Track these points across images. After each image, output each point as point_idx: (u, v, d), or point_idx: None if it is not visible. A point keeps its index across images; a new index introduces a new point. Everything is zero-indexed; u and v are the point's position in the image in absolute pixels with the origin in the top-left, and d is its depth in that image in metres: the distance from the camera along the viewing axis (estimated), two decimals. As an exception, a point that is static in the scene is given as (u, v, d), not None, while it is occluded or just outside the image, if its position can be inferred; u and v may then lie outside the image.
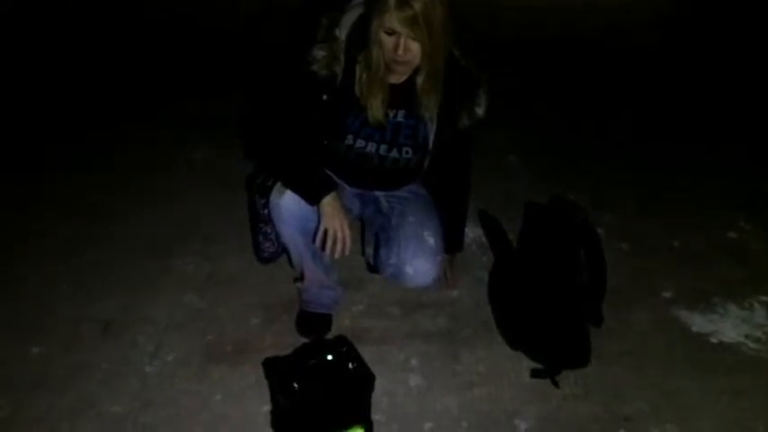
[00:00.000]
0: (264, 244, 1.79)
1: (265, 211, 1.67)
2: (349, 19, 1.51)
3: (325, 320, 1.81)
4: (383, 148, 1.62)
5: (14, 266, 2.02)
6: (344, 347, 1.42)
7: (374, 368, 1.42)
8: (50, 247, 2.12)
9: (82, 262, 2.05)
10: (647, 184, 2.66)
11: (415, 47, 1.43)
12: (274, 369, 1.40)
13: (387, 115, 1.58)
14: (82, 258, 2.06)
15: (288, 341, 1.71)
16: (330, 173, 1.65)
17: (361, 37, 1.48)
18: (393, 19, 1.38)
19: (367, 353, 1.52)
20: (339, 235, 1.51)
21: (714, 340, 1.82)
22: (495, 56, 1.64)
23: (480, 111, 1.63)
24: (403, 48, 1.42)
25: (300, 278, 1.78)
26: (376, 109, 1.54)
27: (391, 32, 1.41)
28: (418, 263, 1.64)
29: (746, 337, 1.84)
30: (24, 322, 1.79)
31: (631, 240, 2.25)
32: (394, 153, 1.63)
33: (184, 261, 2.06)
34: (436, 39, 1.42)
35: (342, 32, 1.51)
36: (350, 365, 1.38)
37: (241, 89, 3.08)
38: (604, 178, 2.68)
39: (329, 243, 1.52)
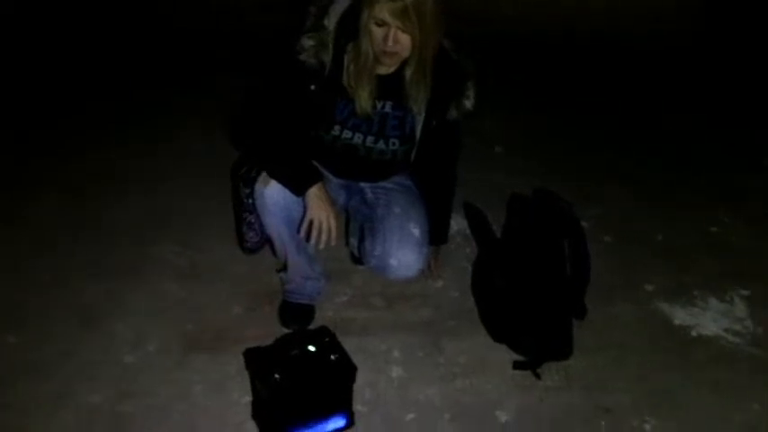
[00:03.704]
0: (248, 234, 1.77)
1: (250, 201, 1.65)
2: (338, 9, 1.49)
3: (308, 311, 1.80)
4: (370, 139, 1.60)
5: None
6: (326, 338, 1.41)
7: (356, 359, 1.41)
8: (31, 232, 2.09)
9: (63, 248, 2.02)
10: (631, 178, 2.68)
11: (405, 39, 1.41)
12: (255, 359, 1.39)
13: (374, 106, 1.57)
14: (63, 244, 2.03)
15: (270, 331, 1.70)
16: (316, 163, 1.63)
17: (351, 27, 1.46)
18: (383, 10, 1.37)
19: (349, 344, 1.51)
20: (324, 225, 1.50)
21: (694, 333, 1.84)
22: (484, 48, 1.63)
23: (469, 103, 1.62)
24: (392, 39, 1.40)
25: (284, 268, 1.77)
26: (364, 100, 1.53)
27: (381, 23, 1.40)
28: (403, 255, 1.63)
29: (726, 330, 1.86)
30: (1, 310, 1.76)
31: (615, 233, 2.27)
32: (380, 144, 1.61)
33: (167, 249, 2.04)
34: (426, 31, 1.40)
35: (330, 22, 1.49)
36: (331, 356, 1.37)
37: (229, 79, 3.05)
38: (590, 171, 2.70)
39: (314, 233, 1.50)
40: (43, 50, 3.82)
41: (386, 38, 1.41)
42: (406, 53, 1.46)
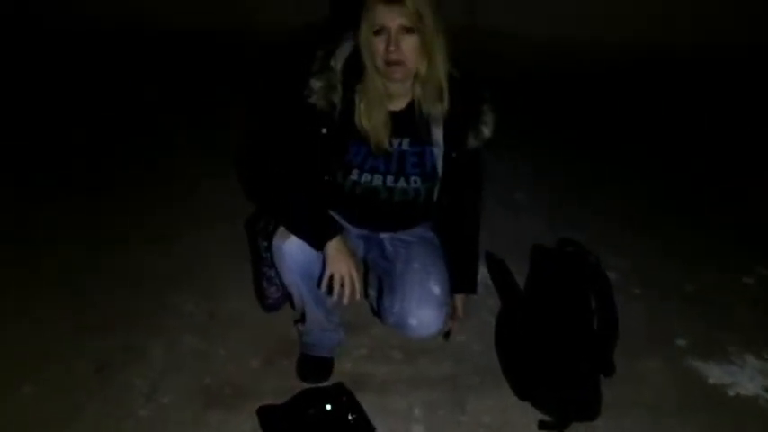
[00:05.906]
0: (269, 289, 1.75)
1: (268, 255, 1.63)
2: (344, 51, 1.50)
3: (327, 365, 1.75)
4: (390, 179, 1.57)
5: (7, 301, 1.99)
6: (344, 397, 1.37)
7: (376, 417, 1.37)
8: (46, 280, 2.09)
9: (78, 297, 2.01)
10: (659, 226, 2.60)
11: (407, 43, 1.40)
12: (271, 419, 1.35)
13: (391, 144, 1.55)
14: (79, 293, 2.03)
15: (288, 385, 1.66)
16: (334, 214, 1.61)
17: (357, 67, 1.47)
18: (378, 14, 1.38)
19: (368, 400, 1.47)
20: (346, 279, 1.47)
21: (731, 392, 1.75)
22: (500, 91, 1.61)
23: (487, 130, 1.56)
24: (394, 44, 1.39)
25: (302, 319, 1.73)
26: (379, 134, 1.51)
27: (380, 29, 1.40)
28: (423, 314, 1.58)
29: (765, 389, 1.76)
30: (16, 361, 1.75)
31: (643, 284, 2.19)
32: (401, 183, 1.58)
33: (185, 299, 2.02)
34: (429, 33, 1.40)
35: (337, 63, 1.49)
36: (349, 416, 1.33)
37: (245, 116, 3.06)
38: (615, 219, 2.62)
39: (336, 288, 1.47)
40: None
41: (387, 45, 1.40)
42: (411, 60, 1.43)
